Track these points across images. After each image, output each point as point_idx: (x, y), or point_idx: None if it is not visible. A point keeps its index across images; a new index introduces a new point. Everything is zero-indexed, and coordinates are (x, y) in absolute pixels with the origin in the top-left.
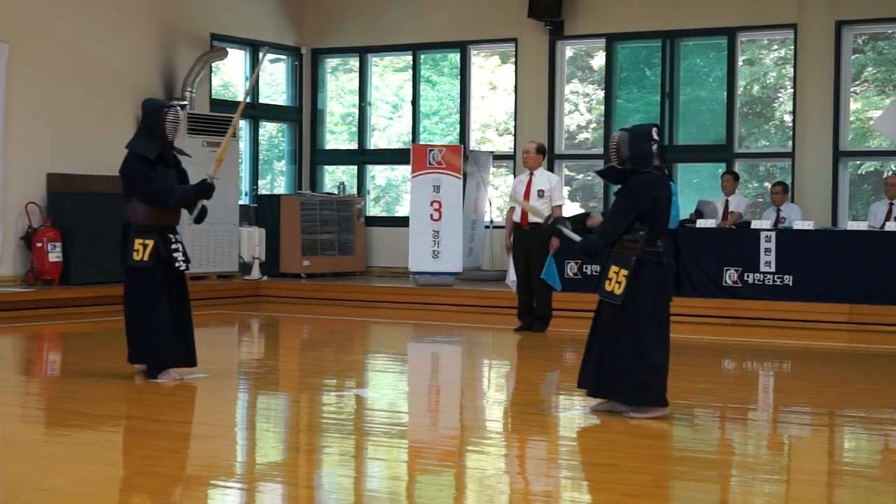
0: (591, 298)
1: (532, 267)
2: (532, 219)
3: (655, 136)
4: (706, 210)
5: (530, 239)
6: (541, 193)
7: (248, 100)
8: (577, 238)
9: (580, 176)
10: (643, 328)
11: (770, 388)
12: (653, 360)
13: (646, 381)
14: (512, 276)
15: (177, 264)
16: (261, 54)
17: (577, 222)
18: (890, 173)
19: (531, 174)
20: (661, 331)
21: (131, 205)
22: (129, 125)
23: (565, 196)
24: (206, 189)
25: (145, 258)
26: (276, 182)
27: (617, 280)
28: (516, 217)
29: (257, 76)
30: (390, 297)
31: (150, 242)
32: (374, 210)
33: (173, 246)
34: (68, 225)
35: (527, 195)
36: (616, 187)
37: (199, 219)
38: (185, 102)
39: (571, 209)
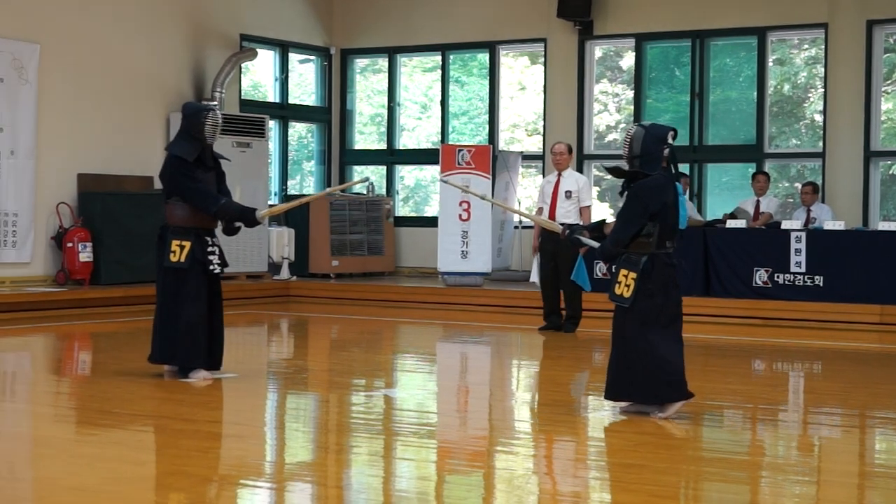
0: None
1: (560, 268)
2: (560, 220)
3: (670, 141)
4: (742, 216)
5: (558, 240)
6: (568, 195)
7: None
8: (595, 245)
9: (609, 177)
10: (653, 329)
11: (800, 389)
12: (666, 356)
13: (664, 380)
14: (535, 276)
15: (211, 267)
16: (356, 177)
17: (595, 230)
18: None
19: (559, 175)
20: (672, 328)
21: (170, 206)
22: (159, 126)
23: (594, 197)
24: (249, 220)
25: (181, 260)
26: (306, 182)
27: (626, 283)
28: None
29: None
30: (419, 298)
31: (187, 244)
32: (402, 210)
33: (209, 249)
34: (99, 225)
35: (554, 196)
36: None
37: (231, 233)
38: (216, 103)
39: (601, 210)
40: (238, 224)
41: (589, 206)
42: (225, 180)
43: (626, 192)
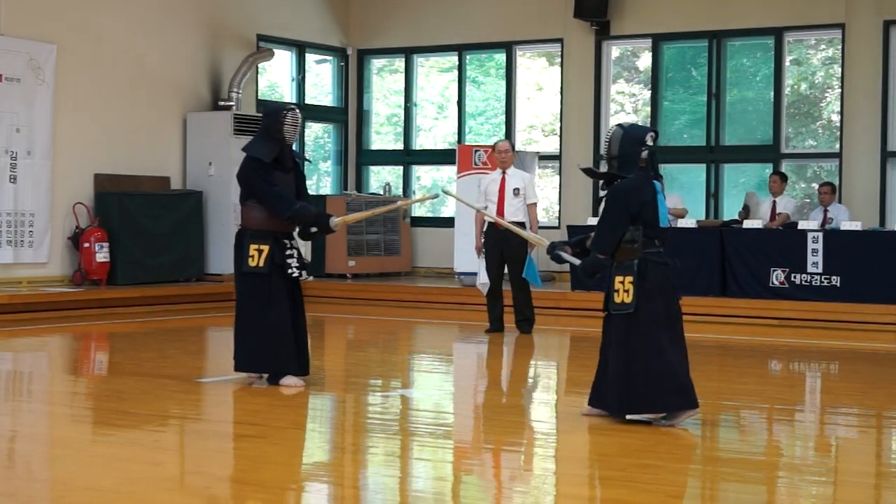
0: None
1: (509, 268)
2: (508, 219)
3: (649, 142)
4: (752, 202)
5: (507, 238)
6: (516, 192)
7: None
8: (576, 262)
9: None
10: (659, 333)
11: (817, 390)
12: (674, 363)
13: (672, 388)
14: (483, 279)
15: (290, 271)
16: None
17: (576, 245)
18: None
19: (504, 173)
20: (675, 332)
21: (246, 209)
22: (176, 126)
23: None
24: (324, 226)
25: (260, 264)
26: (322, 182)
27: (624, 289)
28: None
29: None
30: (435, 298)
31: (266, 248)
32: (419, 211)
33: (287, 252)
34: (115, 225)
35: (501, 194)
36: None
37: (307, 238)
38: (296, 107)
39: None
40: (314, 229)
41: (535, 203)
42: (305, 182)
43: (605, 199)
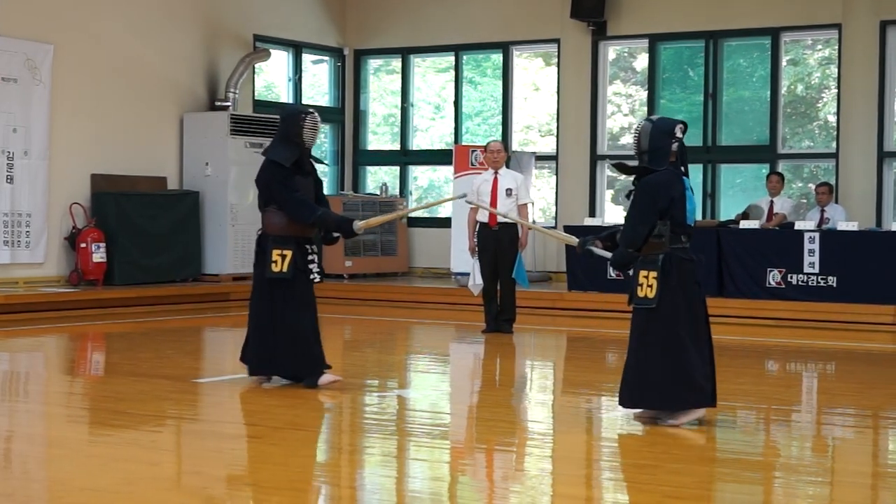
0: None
1: (500, 266)
2: (501, 219)
3: (678, 134)
4: (754, 214)
5: (500, 238)
6: (508, 192)
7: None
8: (608, 255)
9: (622, 177)
10: (680, 328)
11: (814, 390)
12: (692, 359)
13: (688, 383)
14: (476, 280)
15: (312, 276)
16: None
17: (607, 239)
18: None
19: (496, 174)
20: (698, 329)
21: (268, 215)
22: (172, 126)
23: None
24: (346, 231)
25: (284, 269)
26: None
27: (648, 283)
28: (482, 217)
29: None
30: (432, 298)
31: (289, 253)
32: (416, 211)
33: (310, 257)
34: (112, 225)
35: (494, 194)
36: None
37: (329, 242)
38: (315, 111)
39: (616, 212)
40: (336, 234)
41: (526, 204)
42: (322, 187)
43: (633, 193)
